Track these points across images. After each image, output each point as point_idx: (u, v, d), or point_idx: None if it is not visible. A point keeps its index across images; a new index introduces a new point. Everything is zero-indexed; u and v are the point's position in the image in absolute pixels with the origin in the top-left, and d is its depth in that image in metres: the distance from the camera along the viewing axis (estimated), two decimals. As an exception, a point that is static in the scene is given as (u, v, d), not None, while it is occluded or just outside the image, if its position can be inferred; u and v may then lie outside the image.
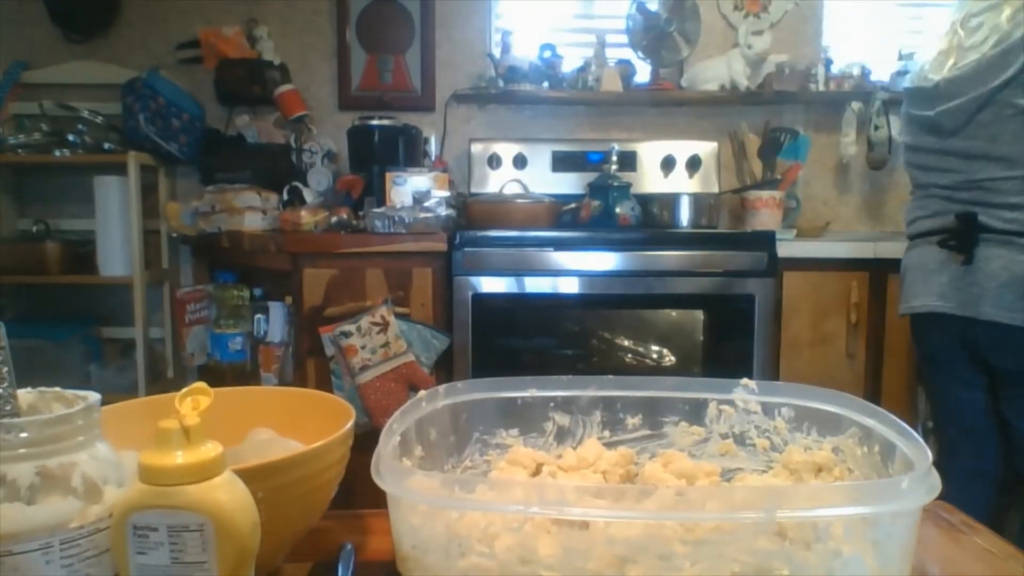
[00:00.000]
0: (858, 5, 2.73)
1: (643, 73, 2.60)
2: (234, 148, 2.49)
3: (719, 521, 0.53)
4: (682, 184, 2.57)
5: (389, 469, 0.54)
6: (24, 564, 0.44)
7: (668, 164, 2.58)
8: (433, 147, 2.55)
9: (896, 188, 2.68)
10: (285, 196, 2.26)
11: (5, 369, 0.48)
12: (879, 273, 2.08)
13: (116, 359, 2.56)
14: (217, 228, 2.19)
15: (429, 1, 2.61)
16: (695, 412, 0.76)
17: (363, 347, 1.85)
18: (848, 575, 0.51)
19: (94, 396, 0.50)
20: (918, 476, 0.52)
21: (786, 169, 2.51)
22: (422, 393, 0.71)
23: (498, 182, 2.51)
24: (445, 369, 2.01)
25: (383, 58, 2.64)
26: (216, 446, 0.46)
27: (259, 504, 0.47)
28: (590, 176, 2.43)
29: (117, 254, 2.34)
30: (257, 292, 2.21)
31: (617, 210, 2.23)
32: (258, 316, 2.14)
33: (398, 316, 1.91)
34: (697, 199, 2.35)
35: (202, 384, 0.47)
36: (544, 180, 2.53)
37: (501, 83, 2.53)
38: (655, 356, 2.13)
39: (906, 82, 1.80)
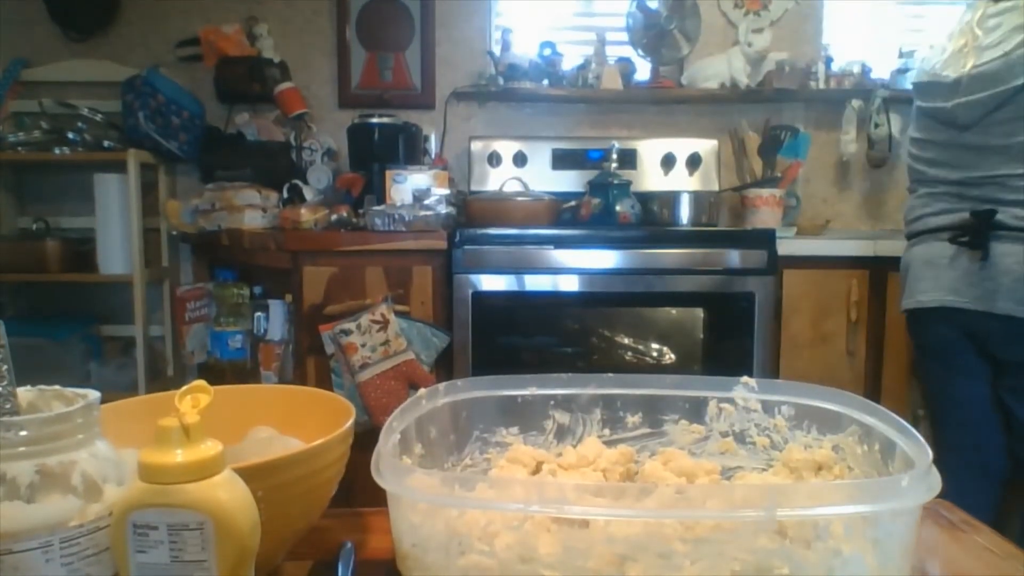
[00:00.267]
0: (858, 3, 2.73)
1: (643, 71, 2.60)
2: (234, 146, 2.49)
3: (719, 519, 0.53)
4: (682, 182, 2.57)
5: (389, 467, 0.54)
6: (24, 563, 0.44)
7: (668, 162, 2.58)
8: (433, 145, 2.55)
9: (896, 186, 2.68)
10: (285, 194, 2.26)
11: (5, 367, 0.48)
12: (879, 271, 2.08)
13: (116, 357, 2.57)
14: (217, 226, 2.19)
15: (429, -1, 2.61)
16: (695, 410, 0.76)
17: (363, 345, 1.85)
18: (848, 574, 0.51)
19: (94, 394, 0.50)
20: (918, 474, 0.52)
21: (786, 167, 2.51)
22: (422, 391, 0.71)
23: (498, 180, 2.51)
24: (445, 367, 2.01)
25: (383, 56, 2.64)
26: (216, 444, 0.45)
27: (259, 503, 0.47)
28: (590, 174, 2.43)
29: (117, 252, 2.34)
30: (257, 290, 2.22)
31: (617, 208, 2.23)
32: (258, 314, 2.14)
33: (398, 314, 1.91)
34: (697, 197, 2.35)
35: (202, 382, 0.47)
36: (544, 178, 2.52)
37: (501, 81, 2.53)
38: (655, 354, 2.13)
39: (915, 77, 1.81)
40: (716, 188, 2.58)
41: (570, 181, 2.53)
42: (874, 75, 2.61)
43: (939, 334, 1.70)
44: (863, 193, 2.76)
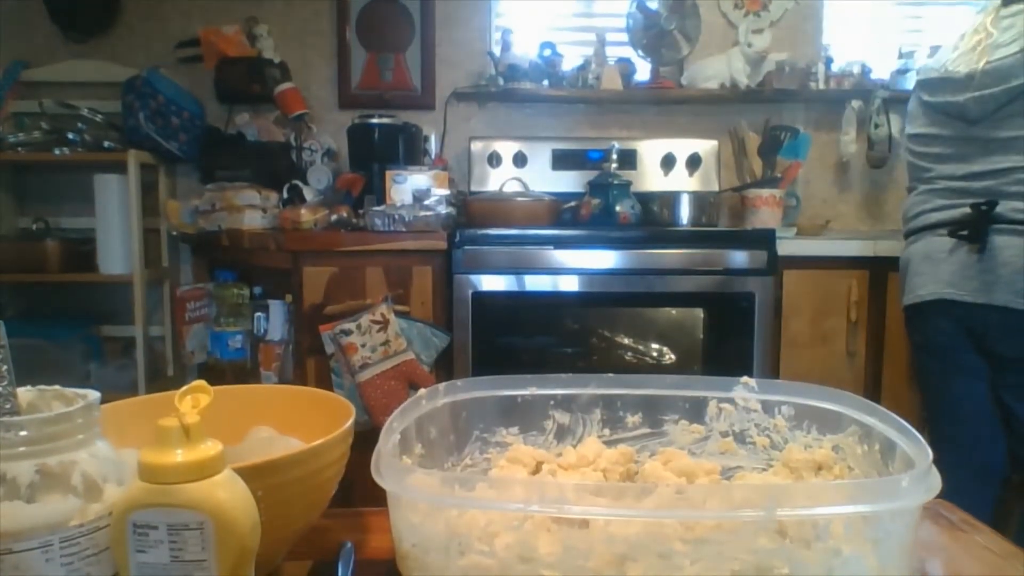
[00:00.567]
0: (858, 3, 2.73)
1: (643, 71, 2.60)
2: (234, 146, 2.49)
3: (719, 519, 0.53)
4: (682, 182, 2.57)
5: (389, 467, 0.54)
6: (24, 562, 0.44)
7: (668, 162, 2.58)
8: (433, 145, 2.55)
9: (896, 186, 2.67)
10: (285, 194, 2.25)
11: (5, 367, 0.48)
12: (879, 271, 2.08)
13: (116, 357, 2.56)
14: (217, 226, 2.19)
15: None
16: (695, 410, 0.76)
17: (363, 345, 1.85)
18: (848, 574, 0.51)
19: (94, 394, 0.50)
20: (918, 474, 0.52)
21: (786, 167, 2.51)
22: (422, 391, 0.71)
23: (498, 180, 2.51)
24: (445, 367, 2.01)
25: (383, 56, 2.64)
26: (216, 444, 0.46)
27: (259, 502, 0.47)
28: (590, 174, 2.43)
29: (117, 252, 2.34)
30: (257, 290, 2.22)
31: (617, 208, 2.23)
32: (258, 314, 2.14)
33: (398, 314, 1.91)
34: (697, 197, 2.35)
35: (202, 382, 0.47)
36: (544, 178, 2.52)
37: (501, 81, 2.53)
38: (655, 354, 2.13)
39: (921, 75, 1.82)
40: (716, 188, 2.58)
41: (570, 181, 2.53)
42: (874, 76, 2.61)
43: (938, 329, 1.71)
44: (863, 193, 2.76)
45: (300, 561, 0.63)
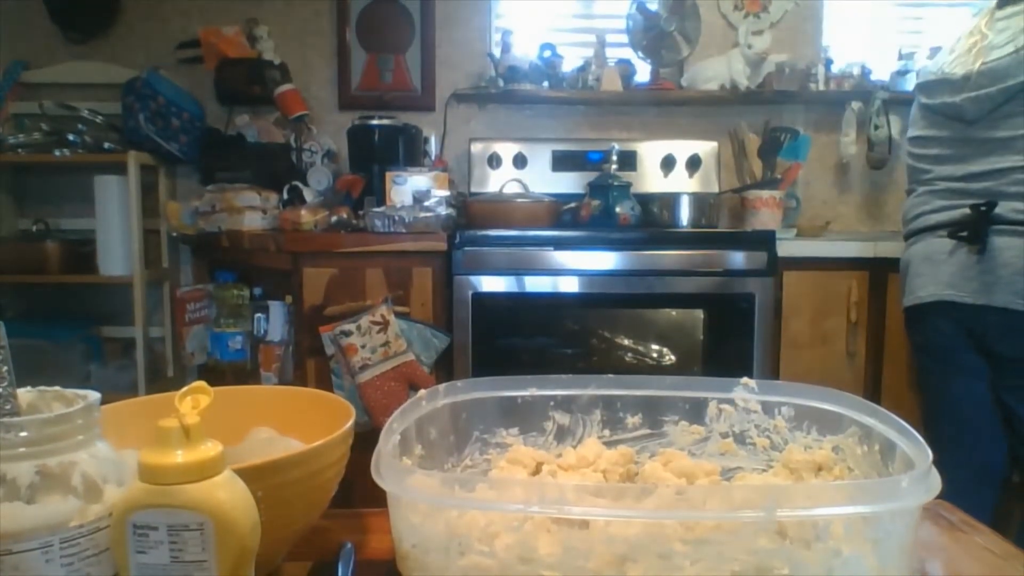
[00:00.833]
0: (858, 5, 2.73)
1: (643, 73, 2.60)
2: (234, 148, 2.49)
3: (719, 520, 0.53)
4: (682, 183, 2.57)
5: (389, 468, 0.54)
6: (24, 563, 0.44)
7: (668, 164, 2.58)
8: (433, 147, 2.55)
9: (896, 188, 2.67)
10: (285, 195, 2.25)
11: (5, 368, 0.48)
12: (879, 272, 2.08)
13: (116, 358, 2.57)
14: (217, 227, 2.19)
15: (429, 1, 2.61)
16: (695, 411, 0.76)
17: (363, 346, 1.85)
18: (848, 574, 0.51)
19: (94, 395, 0.50)
20: (918, 475, 0.52)
21: (786, 168, 2.51)
22: (422, 392, 0.71)
23: (498, 181, 2.51)
24: (445, 368, 2.01)
25: (383, 58, 2.64)
26: (216, 445, 0.46)
27: (259, 503, 0.47)
28: (590, 175, 2.43)
29: (117, 253, 2.34)
30: (257, 291, 2.21)
31: (617, 209, 2.23)
32: (258, 315, 2.14)
33: (398, 315, 1.91)
34: (697, 198, 2.35)
35: (202, 383, 0.47)
36: (544, 180, 2.52)
37: (501, 83, 2.53)
38: (655, 355, 2.13)
39: (919, 79, 1.83)
40: (716, 190, 2.58)
41: (570, 183, 2.53)
42: (874, 77, 2.61)
43: (938, 330, 1.71)
44: (863, 195, 2.76)
45: (300, 562, 0.63)
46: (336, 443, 0.61)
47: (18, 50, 2.58)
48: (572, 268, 1.98)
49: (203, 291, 2.37)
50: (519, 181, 2.44)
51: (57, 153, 2.36)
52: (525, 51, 2.60)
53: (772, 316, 2.02)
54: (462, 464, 0.74)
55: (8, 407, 0.48)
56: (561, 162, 2.57)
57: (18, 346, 0.52)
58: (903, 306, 1.79)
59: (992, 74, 1.60)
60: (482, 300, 1.96)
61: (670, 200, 2.33)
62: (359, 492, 0.68)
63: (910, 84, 2.41)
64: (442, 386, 0.73)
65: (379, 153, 2.26)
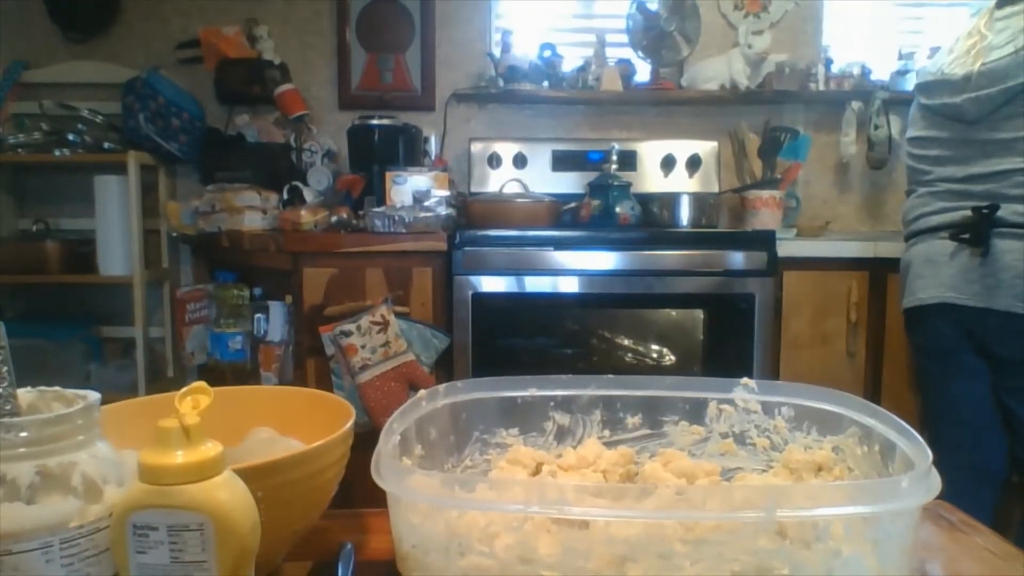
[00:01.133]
0: (858, 5, 2.73)
1: (643, 72, 2.60)
2: (234, 147, 2.49)
3: (719, 520, 0.53)
4: (682, 183, 2.57)
5: (389, 468, 0.54)
6: (24, 563, 0.44)
7: (668, 163, 2.58)
8: (433, 146, 2.55)
9: (896, 188, 2.67)
10: (285, 195, 2.25)
11: (5, 368, 0.48)
12: (879, 272, 2.08)
13: (116, 358, 2.56)
14: (217, 227, 2.19)
15: (429, 1, 2.61)
16: (695, 411, 0.76)
17: (363, 346, 1.85)
18: (848, 574, 0.51)
19: (94, 395, 0.50)
20: (918, 475, 0.52)
21: (786, 168, 2.51)
22: (422, 392, 0.71)
23: (498, 181, 2.51)
24: (445, 368, 2.01)
25: (383, 57, 2.64)
26: (216, 445, 0.46)
27: (259, 503, 0.47)
28: (590, 175, 2.43)
29: (117, 253, 2.34)
30: (257, 291, 2.21)
31: (617, 209, 2.23)
32: (258, 315, 2.14)
33: (398, 315, 1.91)
34: (697, 198, 2.35)
35: (202, 383, 0.47)
36: (544, 179, 2.53)
37: (501, 82, 2.53)
38: (655, 355, 2.13)
39: (918, 79, 1.82)
40: (716, 190, 2.58)
41: (570, 182, 2.53)
42: (874, 77, 2.61)
43: (938, 332, 1.71)
44: (863, 195, 2.76)
45: (300, 562, 0.63)
46: (336, 443, 0.61)
47: (18, 50, 2.58)
48: (572, 268, 1.98)
49: (203, 291, 2.37)
50: (519, 181, 2.45)
51: (57, 153, 2.36)
52: (525, 51, 2.60)
53: (772, 316, 2.02)
54: (462, 464, 0.74)
55: (8, 407, 0.48)
56: (561, 162, 2.57)
57: (18, 346, 0.52)
58: (903, 307, 1.78)
59: (992, 75, 1.59)
60: (482, 300, 1.96)
61: (670, 200, 2.33)
62: (359, 492, 0.68)
63: (910, 84, 2.40)
64: (442, 386, 0.73)
65: (379, 153, 2.26)
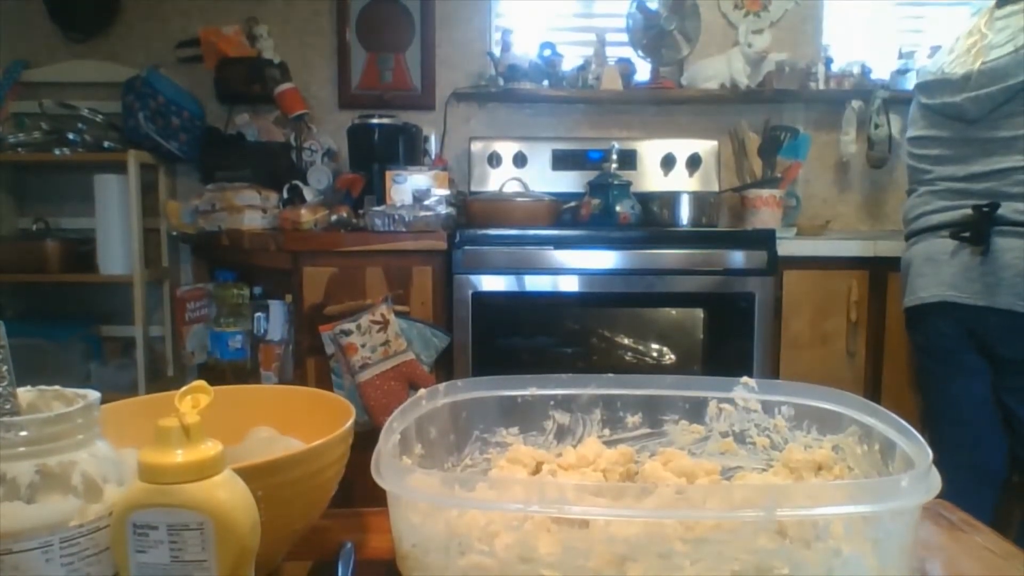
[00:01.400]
0: (858, 4, 2.73)
1: (643, 72, 2.60)
2: (234, 146, 2.49)
3: (719, 519, 0.53)
4: (682, 182, 2.57)
5: (389, 467, 0.54)
6: (24, 563, 0.44)
7: (668, 162, 2.58)
8: (433, 146, 2.55)
9: (896, 187, 2.67)
10: (285, 194, 2.25)
11: (5, 368, 0.48)
12: (879, 271, 2.08)
13: (116, 357, 2.57)
14: (217, 227, 2.19)
15: (429, 0, 2.61)
16: (695, 410, 0.76)
17: (363, 345, 1.85)
18: (848, 574, 0.51)
19: (94, 395, 0.50)
20: (918, 474, 0.52)
21: (786, 167, 2.51)
22: (422, 391, 0.71)
23: (498, 180, 2.51)
24: (445, 367, 2.01)
25: (383, 57, 2.64)
26: (216, 444, 0.46)
27: (259, 502, 0.47)
28: (590, 174, 2.43)
29: (117, 252, 2.34)
30: (257, 290, 2.22)
31: (617, 208, 2.23)
32: (258, 314, 2.14)
33: (398, 314, 1.91)
34: (697, 197, 2.35)
35: (202, 382, 0.47)
36: (544, 178, 2.52)
37: (501, 82, 2.53)
38: (655, 354, 2.13)
39: (918, 79, 1.82)
40: (716, 189, 2.58)
41: (570, 182, 2.53)
42: (874, 76, 2.61)
43: (939, 331, 1.71)
44: (863, 194, 2.76)
45: (300, 561, 0.63)
46: (336, 443, 0.61)
47: (18, 50, 2.58)
48: (572, 267, 1.98)
49: (203, 290, 2.37)
50: (519, 180, 2.44)
51: (57, 152, 2.36)
52: (525, 50, 2.60)
53: (772, 315, 2.02)
54: (462, 463, 0.74)
55: (8, 407, 0.48)
56: (561, 161, 2.57)
57: (18, 346, 0.52)
58: (904, 306, 1.78)
59: (992, 74, 1.59)
60: (482, 299, 1.96)
61: (670, 199, 2.32)
62: (359, 492, 0.68)
63: (910, 83, 2.40)
64: (442, 385, 0.73)
65: (379, 152, 2.25)
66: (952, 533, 0.71)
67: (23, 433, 0.45)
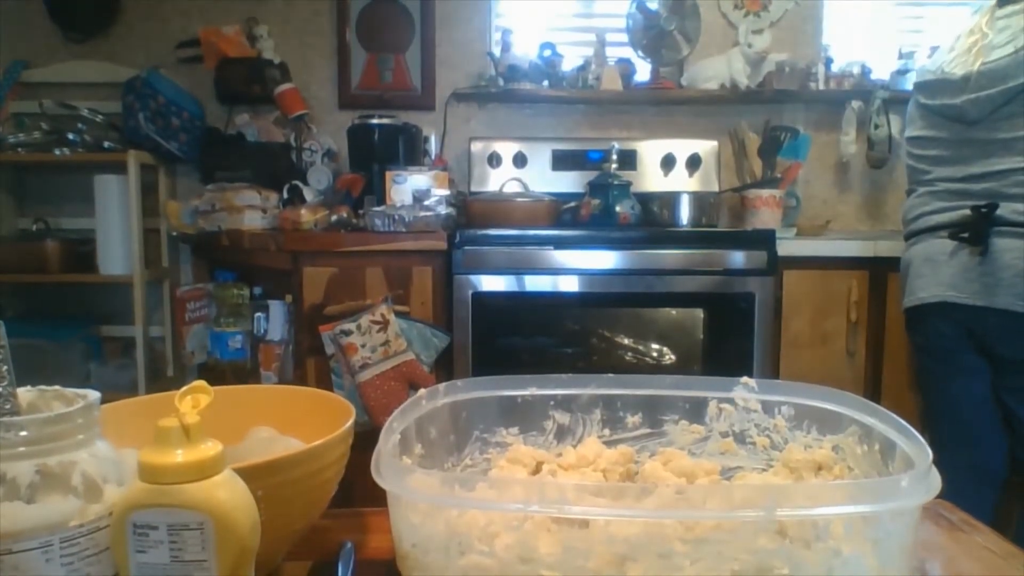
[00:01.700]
0: (858, 4, 2.73)
1: (643, 72, 2.60)
2: (234, 147, 2.49)
3: (719, 520, 0.53)
4: (682, 183, 2.57)
5: (389, 467, 0.54)
6: (24, 563, 0.44)
7: (668, 163, 2.58)
8: (433, 146, 2.55)
9: (896, 187, 2.67)
10: (285, 195, 2.26)
11: (5, 368, 0.48)
12: (879, 271, 2.08)
13: (116, 358, 2.57)
14: (217, 227, 2.19)
15: (429, 0, 2.61)
16: (695, 410, 0.76)
17: (363, 345, 1.85)
18: (848, 574, 0.51)
19: (94, 395, 0.50)
20: (918, 475, 0.52)
21: (786, 168, 2.51)
22: (422, 391, 0.71)
23: (498, 181, 2.51)
24: (445, 367, 2.01)
25: (383, 57, 2.64)
26: (216, 444, 0.46)
27: (259, 502, 0.47)
28: (590, 175, 2.43)
29: (117, 253, 2.34)
30: (257, 291, 2.21)
31: (617, 209, 2.23)
32: (258, 314, 2.14)
33: (398, 314, 1.91)
34: (697, 198, 2.35)
35: (202, 383, 0.47)
36: (544, 179, 2.52)
37: (501, 82, 2.53)
38: (655, 354, 2.13)
39: (917, 78, 1.82)
40: (716, 189, 2.58)
41: (570, 182, 2.53)
42: (874, 76, 2.61)
43: (939, 331, 1.71)
44: (863, 194, 2.76)
45: (300, 561, 0.63)
46: (336, 443, 0.61)
47: (18, 50, 2.58)
48: (572, 267, 1.98)
49: (203, 290, 2.37)
50: (519, 180, 2.44)
51: (57, 152, 2.36)
52: (525, 50, 2.60)
53: (772, 316, 2.02)
54: (462, 463, 0.74)
55: (8, 407, 0.48)
56: (561, 161, 2.57)
57: (18, 346, 0.52)
58: (903, 306, 1.78)
59: (992, 75, 1.59)
60: (482, 299, 1.96)
61: (670, 199, 2.32)
62: (359, 492, 0.68)
63: (910, 83, 2.40)
64: (442, 385, 0.73)
65: (379, 152, 2.25)
66: (952, 533, 0.71)
67: (23, 433, 0.45)
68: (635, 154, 2.57)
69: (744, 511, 0.52)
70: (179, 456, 0.44)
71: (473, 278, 1.96)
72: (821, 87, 2.58)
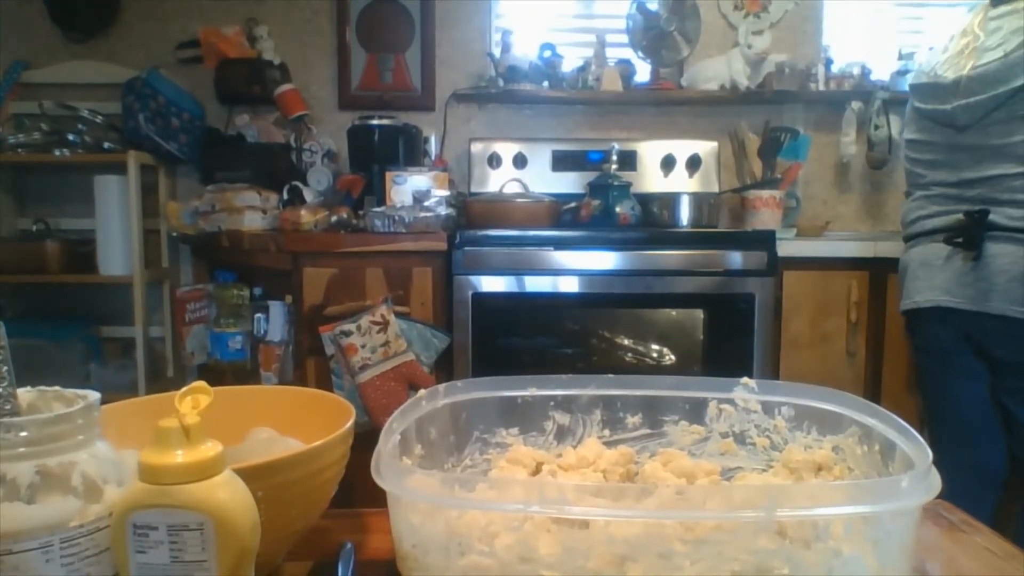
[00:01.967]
0: (858, 5, 2.73)
1: (643, 73, 2.60)
2: (234, 147, 2.49)
3: (719, 520, 0.53)
4: (682, 183, 2.57)
5: (389, 468, 0.54)
6: (24, 563, 0.44)
7: (668, 163, 2.59)
8: (433, 146, 2.55)
9: (896, 188, 2.68)
10: (285, 195, 2.26)
11: (5, 368, 0.48)
12: (879, 272, 2.08)
13: (116, 358, 2.57)
14: (217, 227, 2.19)
15: (429, 1, 2.61)
16: (695, 411, 0.76)
17: (363, 346, 1.85)
18: (848, 574, 0.51)
19: (94, 395, 0.50)
20: (918, 475, 0.52)
21: (786, 168, 2.51)
22: (422, 392, 0.71)
23: (498, 181, 2.51)
24: (445, 368, 2.01)
25: (383, 57, 2.64)
26: (216, 445, 0.46)
27: (259, 503, 0.47)
28: (590, 175, 2.43)
29: (117, 253, 2.34)
30: (257, 291, 2.21)
31: (617, 209, 2.23)
32: (258, 315, 2.14)
33: (398, 315, 1.91)
34: (697, 198, 2.35)
35: (202, 383, 0.47)
36: (544, 179, 2.53)
37: (501, 83, 2.53)
38: (655, 355, 2.13)
39: (912, 79, 1.82)
40: (716, 190, 2.58)
41: (570, 182, 2.53)
42: (874, 77, 2.61)
43: (936, 335, 1.71)
44: (863, 194, 2.76)
45: (300, 562, 0.63)
46: (336, 443, 0.61)
47: (18, 50, 2.58)
48: (572, 268, 1.98)
49: (203, 291, 2.37)
50: (519, 181, 2.44)
51: (57, 153, 2.36)
52: (525, 51, 2.60)
53: (772, 316, 2.02)
54: (462, 464, 0.74)
55: (8, 407, 0.48)
56: (561, 162, 2.57)
57: (18, 346, 0.52)
58: (900, 309, 1.79)
59: (982, 79, 1.58)
60: (482, 300, 1.96)
61: (670, 200, 2.33)
62: (359, 492, 0.68)
63: (908, 84, 2.40)
64: (442, 386, 0.73)
65: (379, 153, 2.26)
66: (952, 533, 0.71)
67: (23, 433, 0.45)
68: (635, 155, 2.57)
69: (744, 511, 0.52)
70: (179, 457, 0.44)
71: (473, 279, 1.96)
72: (821, 88, 2.58)
